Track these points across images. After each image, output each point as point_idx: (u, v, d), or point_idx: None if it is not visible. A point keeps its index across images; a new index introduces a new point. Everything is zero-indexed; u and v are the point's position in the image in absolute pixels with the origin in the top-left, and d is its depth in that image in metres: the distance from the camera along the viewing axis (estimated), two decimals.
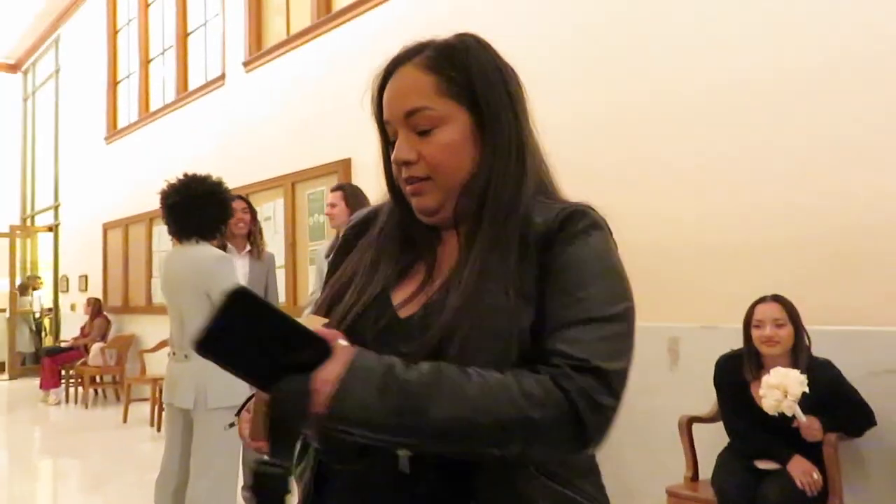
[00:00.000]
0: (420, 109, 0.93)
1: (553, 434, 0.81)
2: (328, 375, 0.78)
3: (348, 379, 0.78)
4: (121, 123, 9.61)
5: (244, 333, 0.78)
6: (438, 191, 0.94)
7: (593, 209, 0.96)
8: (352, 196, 3.67)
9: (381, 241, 1.01)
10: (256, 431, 0.84)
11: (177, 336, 3.00)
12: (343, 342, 0.83)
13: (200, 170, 3.08)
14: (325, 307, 0.98)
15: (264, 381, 0.80)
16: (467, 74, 0.95)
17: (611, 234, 0.96)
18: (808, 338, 2.75)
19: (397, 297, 0.95)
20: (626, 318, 0.89)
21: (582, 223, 0.91)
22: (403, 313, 0.93)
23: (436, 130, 0.94)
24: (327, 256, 1.14)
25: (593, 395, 0.81)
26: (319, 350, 0.80)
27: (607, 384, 0.82)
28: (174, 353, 3.00)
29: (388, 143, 0.99)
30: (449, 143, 0.93)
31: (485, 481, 0.86)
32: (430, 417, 0.79)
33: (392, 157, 0.95)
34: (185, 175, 3.01)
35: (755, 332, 2.77)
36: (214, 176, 3.06)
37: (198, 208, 2.94)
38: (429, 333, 0.87)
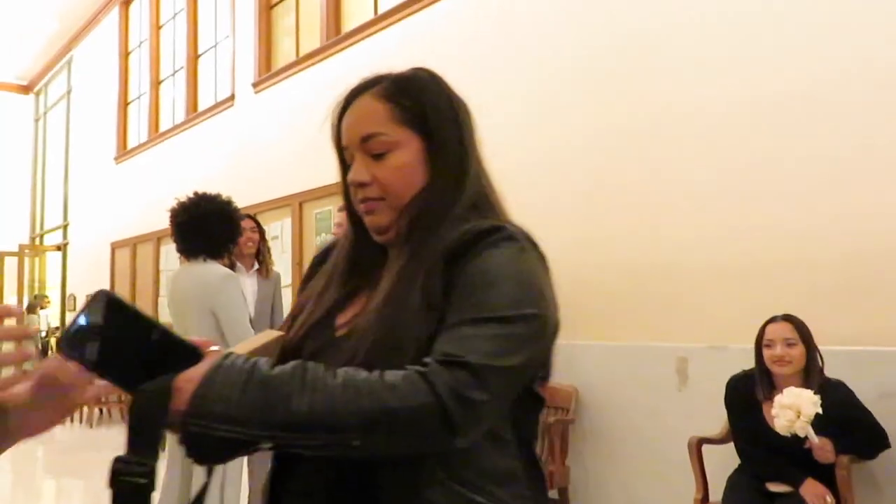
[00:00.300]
0: (375, 135, 1.00)
1: (416, 426, 0.82)
2: (193, 375, 0.81)
3: (211, 376, 0.81)
4: (131, 143, 9.69)
5: (111, 336, 0.79)
6: (390, 210, 1.01)
7: (515, 226, 0.99)
8: None
9: (331, 267, 1.08)
10: None
11: None
12: (216, 348, 0.86)
13: (209, 189, 3.10)
14: (286, 330, 1.05)
15: (130, 386, 0.81)
16: (420, 104, 1.03)
17: (534, 249, 0.98)
18: (821, 358, 2.72)
19: (341, 318, 1.01)
20: (526, 321, 0.90)
21: (494, 237, 0.94)
22: (339, 333, 0.99)
23: (389, 154, 1.00)
24: None
25: (460, 389, 0.82)
26: (189, 357, 0.83)
27: (479, 379, 0.83)
28: None
29: (346, 168, 1.05)
30: (401, 167, 1.00)
31: (389, 485, 0.88)
32: (290, 410, 0.81)
33: (348, 178, 1.02)
34: (196, 194, 3.03)
35: (766, 352, 2.74)
36: (224, 195, 3.07)
37: (207, 227, 2.96)
38: (346, 350, 0.92)
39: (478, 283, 0.91)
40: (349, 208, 1.07)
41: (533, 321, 0.91)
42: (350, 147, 1.03)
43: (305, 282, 1.13)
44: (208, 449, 0.85)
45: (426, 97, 1.04)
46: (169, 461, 3.03)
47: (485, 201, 1.04)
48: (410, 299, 0.92)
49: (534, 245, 0.98)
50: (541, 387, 1.02)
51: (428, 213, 0.99)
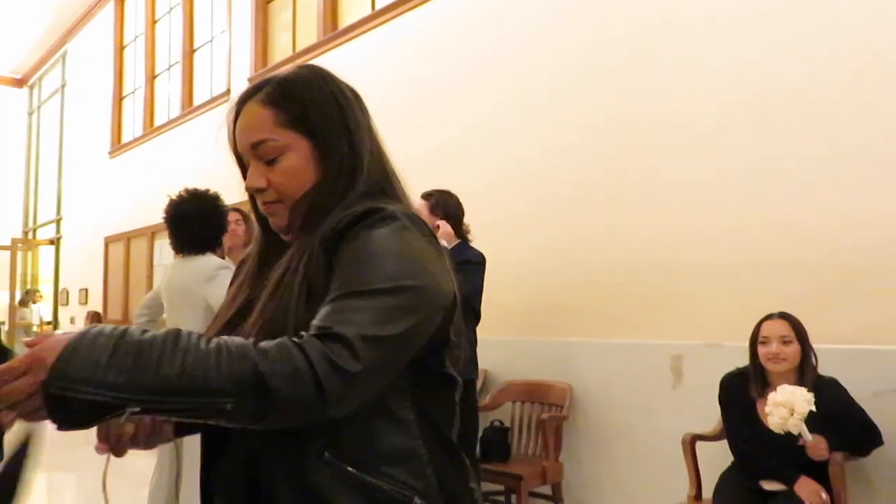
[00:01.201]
0: (263, 141, 1.04)
1: (287, 392, 0.81)
2: (55, 343, 0.79)
3: (77, 342, 0.79)
4: (125, 138, 9.65)
5: None
6: (288, 210, 1.05)
7: (400, 208, 0.99)
8: None
9: (243, 271, 1.13)
10: None
11: None
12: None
13: (203, 184, 3.17)
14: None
15: None
16: (302, 106, 1.05)
17: (417, 228, 0.98)
18: (815, 356, 2.73)
19: (251, 317, 0.99)
20: (403, 293, 0.90)
21: (371, 219, 0.96)
22: (245, 332, 0.97)
23: (280, 158, 1.04)
24: None
25: (333, 359, 0.83)
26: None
27: (352, 350, 0.84)
28: None
29: (245, 173, 1.09)
30: (292, 169, 1.04)
31: (273, 468, 0.92)
32: (161, 373, 0.79)
33: (245, 185, 1.07)
34: (186, 190, 3.10)
35: (761, 349, 2.75)
36: (212, 190, 3.15)
37: (200, 223, 3.04)
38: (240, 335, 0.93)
39: (353, 260, 0.93)
40: (255, 211, 1.12)
41: (412, 292, 0.91)
42: (244, 154, 1.07)
43: (230, 286, 1.15)
44: (73, 414, 0.80)
45: (308, 97, 1.06)
46: (157, 462, 3.02)
47: (379, 190, 1.05)
48: (294, 286, 0.95)
49: (418, 224, 0.98)
50: (454, 368, 1.03)
51: (315, 208, 1.02)
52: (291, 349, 0.83)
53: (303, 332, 0.86)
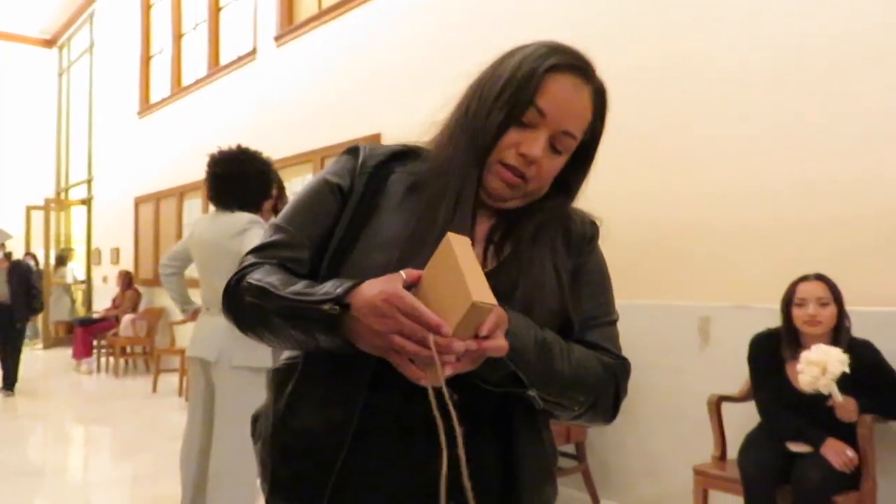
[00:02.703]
0: (573, 137, 1.00)
1: (607, 400, 1.03)
2: (500, 318, 0.86)
3: (516, 320, 0.91)
4: (153, 98, 9.69)
5: None
6: (522, 194, 1.01)
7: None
8: None
9: (427, 198, 1.01)
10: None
11: (211, 294, 3.02)
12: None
13: (231, 143, 3.10)
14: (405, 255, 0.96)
15: None
16: (599, 129, 1.04)
17: None
18: (849, 319, 2.68)
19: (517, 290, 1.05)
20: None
21: (597, 233, 1.16)
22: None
23: (562, 156, 1.01)
24: None
25: (625, 381, 1.07)
26: None
27: (628, 374, 1.08)
28: (208, 309, 3.03)
29: (513, 118, 0.97)
30: (555, 170, 1.02)
31: (522, 427, 1.02)
32: (559, 370, 0.95)
33: (526, 148, 0.96)
34: (239, 147, 3.03)
35: (797, 311, 2.70)
36: (264, 154, 3.09)
37: (245, 183, 2.98)
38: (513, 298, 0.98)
39: (602, 283, 1.11)
40: (479, 153, 0.98)
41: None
42: (549, 123, 0.97)
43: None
44: (496, 379, 0.92)
45: (602, 124, 1.04)
46: (189, 416, 3.08)
47: None
48: (554, 279, 1.03)
49: None
50: None
51: (550, 210, 1.06)
52: (612, 365, 1.05)
53: (614, 354, 1.07)
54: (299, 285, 0.93)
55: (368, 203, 1.01)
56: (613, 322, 1.08)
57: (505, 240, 1.03)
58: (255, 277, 0.97)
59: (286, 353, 1.07)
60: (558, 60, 0.97)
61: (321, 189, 1.05)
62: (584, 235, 1.08)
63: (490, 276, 0.88)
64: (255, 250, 1.04)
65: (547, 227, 1.03)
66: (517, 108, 0.96)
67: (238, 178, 2.96)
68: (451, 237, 0.85)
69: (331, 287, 0.89)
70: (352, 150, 1.08)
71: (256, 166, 3.01)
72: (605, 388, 1.01)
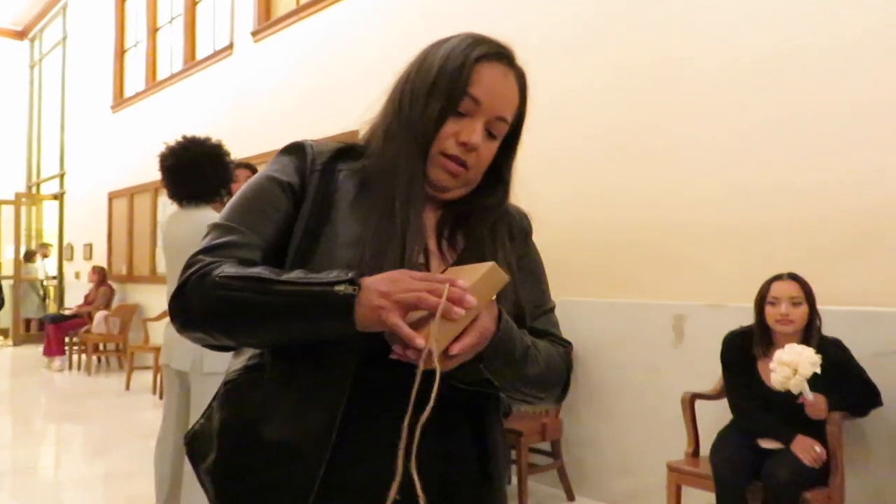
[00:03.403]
0: (506, 122, 1.04)
1: (562, 387, 1.09)
2: (489, 322, 0.91)
3: (508, 323, 0.96)
4: (128, 92, 9.57)
5: None
6: (464, 182, 1.04)
7: None
8: None
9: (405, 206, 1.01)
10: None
11: None
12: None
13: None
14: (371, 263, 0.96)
15: None
16: (524, 110, 1.07)
17: None
18: (820, 318, 2.73)
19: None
20: None
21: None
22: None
23: (495, 142, 1.04)
24: None
25: (572, 364, 1.13)
26: None
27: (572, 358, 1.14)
28: None
29: (450, 109, 1.00)
30: (491, 155, 1.05)
31: (489, 413, 1.07)
32: (530, 371, 1.00)
33: (465, 137, 1.00)
34: (184, 137, 2.94)
35: (769, 310, 2.74)
36: (213, 138, 3.00)
37: (197, 171, 2.88)
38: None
39: (542, 273, 1.17)
40: (422, 144, 1.00)
41: None
42: (484, 111, 1.01)
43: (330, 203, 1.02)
44: (467, 380, 0.97)
45: (526, 103, 1.07)
46: (164, 414, 3.04)
47: None
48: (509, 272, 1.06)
49: None
50: None
51: (487, 200, 1.10)
52: (565, 356, 1.10)
53: (562, 340, 1.11)
54: (293, 274, 0.90)
55: (324, 201, 1.01)
56: (553, 308, 1.16)
57: (454, 232, 1.06)
58: (231, 272, 0.91)
59: (239, 362, 1.03)
60: (485, 50, 1.01)
61: (270, 187, 1.02)
62: (522, 229, 1.14)
63: None
64: (207, 251, 0.97)
65: (499, 225, 1.09)
66: (452, 99, 0.99)
67: (190, 166, 2.85)
68: (494, 268, 0.90)
69: (334, 273, 0.88)
70: (296, 149, 1.06)
71: (206, 150, 2.91)
72: (563, 378, 1.08)
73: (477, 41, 1.02)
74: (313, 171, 1.03)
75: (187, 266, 0.96)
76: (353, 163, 1.05)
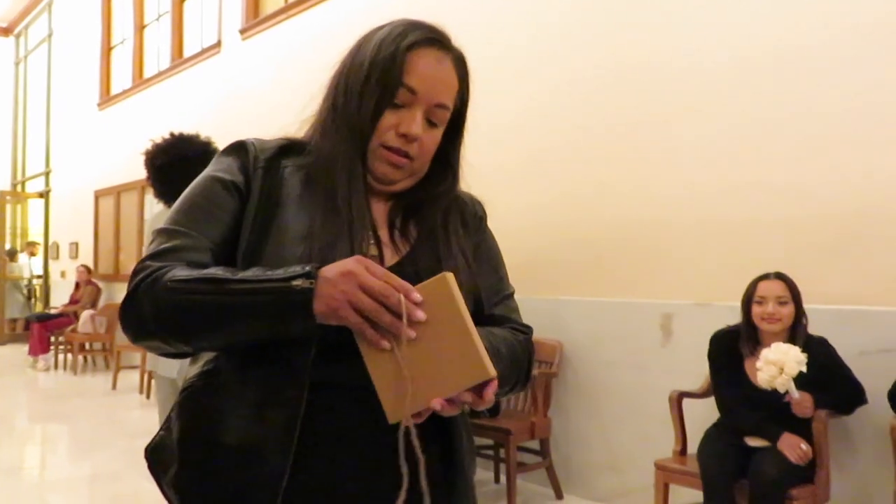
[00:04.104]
0: (446, 108, 1.01)
1: (525, 376, 1.08)
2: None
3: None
4: (114, 90, 9.50)
5: None
6: (409, 174, 1.03)
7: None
8: None
9: (349, 202, 0.99)
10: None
11: None
12: None
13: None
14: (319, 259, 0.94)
15: None
16: (466, 94, 1.05)
17: None
18: (806, 317, 2.75)
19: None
20: None
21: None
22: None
23: (438, 129, 1.02)
24: None
25: (534, 351, 1.11)
26: None
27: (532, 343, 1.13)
28: None
29: (386, 101, 0.98)
30: (435, 143, 1.03)
31: (456, 419, 1.04)
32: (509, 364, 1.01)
33: (405, 128, 0.98)
34: (172, 134, 2.87)
35: (756, 309, 2.76)
36: (203, 135, 2.95)
37: (187, 170, 2.83)
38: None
39: (499, 258, 1.16)
40: (361, 138, 0.99)
41: None
42: (421, 100, 0.98)
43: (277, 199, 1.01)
44: None
45: (468, 87, 1.06)
46: (159, 409, 3.02)
47: None
48: (466, 259, 1.08)
49: None
50: None
51: (437, 190, 1.08)
52: (531, 349, 1.09)
53: (522, 326, 1.11)
54: (248, 272, 0.88)
55: (270, 198, 0.99)
56: (512, 294, 1.14)
57: (406, 223, 1.05)
58: (182, 275, 0.88)
59: (195, 368, 1.01)
60: (417, 37, 0.99)
61: (214, 188, 1.00)
62: (476, 215, 1.13)
63: (409, 261, 1.00)
64: (155, 256, 0.94)
65: (452, 213, 1.07)
66: (388, 91, 0.97)
67: (180, 165, 2.77)
68: (448, 278, 0.84)
69: (291, 268, 0.86)
70: (237, 148, 1.04)
71: (196, 147, 2.84)
72: (524, 370, 1.07)
73: (408, 28, 1.01)
74: (257, 168, 1.01)
75: (135, 273, 0.93)
76: (298, 158, 1.03)
